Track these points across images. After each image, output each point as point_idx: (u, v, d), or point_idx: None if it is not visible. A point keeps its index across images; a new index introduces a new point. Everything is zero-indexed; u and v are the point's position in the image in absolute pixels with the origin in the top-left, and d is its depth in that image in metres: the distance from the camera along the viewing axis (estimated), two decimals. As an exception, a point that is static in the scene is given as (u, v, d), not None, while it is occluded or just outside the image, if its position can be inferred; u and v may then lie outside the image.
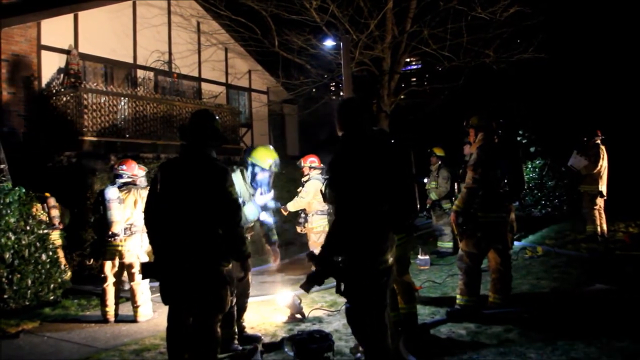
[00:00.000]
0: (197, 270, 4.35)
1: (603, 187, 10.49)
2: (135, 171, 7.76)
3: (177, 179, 4.51)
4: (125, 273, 7.62)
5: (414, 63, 25.79)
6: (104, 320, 7.46)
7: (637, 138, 15.92)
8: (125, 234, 7.40)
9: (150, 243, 4.62)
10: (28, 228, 8.50)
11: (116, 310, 7.55)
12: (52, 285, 8.57)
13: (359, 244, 3.89)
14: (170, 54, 17.10)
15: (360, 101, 4.41)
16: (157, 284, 4.66)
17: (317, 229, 9.34)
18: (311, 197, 9.33)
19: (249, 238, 5.74)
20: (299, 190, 9.62)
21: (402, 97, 15.99)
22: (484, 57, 14.52)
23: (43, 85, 13.65)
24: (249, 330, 6.19)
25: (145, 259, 7.45)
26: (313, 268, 4.00)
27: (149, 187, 5.18)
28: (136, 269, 7.47)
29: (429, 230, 13.26)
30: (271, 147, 6.35)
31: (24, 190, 8.76)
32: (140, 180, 7.85)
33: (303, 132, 23.25)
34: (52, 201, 9.66)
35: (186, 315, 4.46)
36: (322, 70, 15.58)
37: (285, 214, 9.57)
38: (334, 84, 20.11)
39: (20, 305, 8.07)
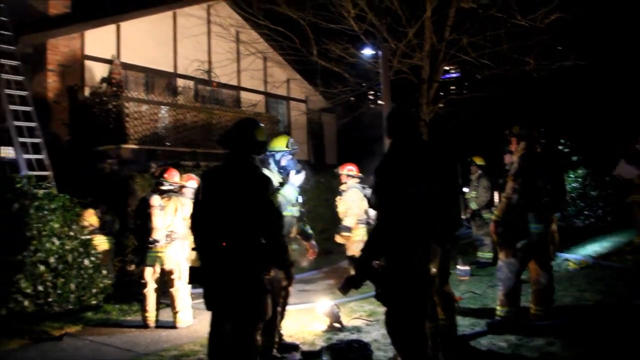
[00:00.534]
0: (239, 278, 4.37)
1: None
2: (175, 179, 7.88)
3: (219, 187, 4.55)
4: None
5: (452, 71, 25.57)
6: (144, 325, 7.56)
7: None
8: (165, 240, 7.51)
9: (196, 249, 4.67)
10: (72, 234, 8.68)
11: (156, 315, 7.64)
12: (94, 290, 8.73)
13: (402, 251, 3.87)
14: (209, 63, 17.31)
15: (412, 109, 4.42)
16: (198, 290, 4.70)
17: (355, 238, 9.28)
18: (356, 207, 9.27)
19: (294, 246, 5.74)
20: (337, 198, 9.58)
21: (441, 105, 15.88)
22: (524, 64, 14.34)
23: (86, 94, 13.94)
24: (287, 339, 6.19)
25: (186, 265, 7.53)
26: (352, 272, 4.00)
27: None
28: (176, 276, 7.56)
29: (469, 240, 13.10)
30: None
31: (67, 197, 8.95)
32: (186, 189, 8.01)
33: (341, 141, 23.23)
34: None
35: (227, 322, 4.48)
36: (361, 79, 15.58)
37: (348, 236, 9.36)
38: (372, 92, 20.05)
39: (63, 308, 8.26)
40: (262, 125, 4.89)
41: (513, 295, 6.33)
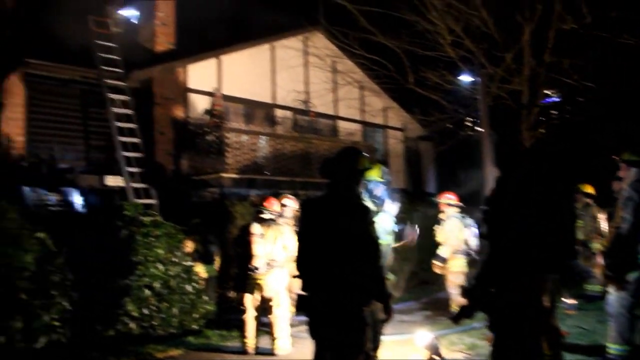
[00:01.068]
0: (339, 309, 4.31)
1: None
2: (275, 208, 8.00)
3: (320, 216, 4.52)
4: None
5: (553, 95, 24.62)
6: (243, 351, 7.64)
7: None
8: (265, 268, 7.59)
9: (298, 278, 4.66)
10: (175, 260, 8.96)
11: (256, 342, 7.70)
12: (195, 315, 8.94)
13: (513, 281, 3.71)
14: (307, 93, 17.60)
15: (515, 137, 4.33)
16: (300, 318, 4.68)
17: (454, 269, 9.04)
18: (453, 237, 9.05)
19: (390, 277, 5.65)
20: (435, 227, 9.39)
21: (542, 130, 15.30)
22: (631, 85, 13.60)
23: (189, 125, 14.48)
24: (384, 370, 6.06)
25: (285, 293, 7.59)
26: (456, 305, 3.87)
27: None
28: (275, 303, 7.61)
29: (577, 272, 12.41)
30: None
31: (172, 225, 9.27)
32: (286, 213, 8.12)
33: (439, 169, 22.87)
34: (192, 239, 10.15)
35: (328, 352, 4.43)
36: (458, 106, 15.31)
37: (441, 265, 9.20)
38: (470, 119, 19.63)
39: (166, 332, 8.50)
40: (364, 154, 4.84)
41: (626, 332, 5.89)
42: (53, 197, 10.90)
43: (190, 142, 14.21)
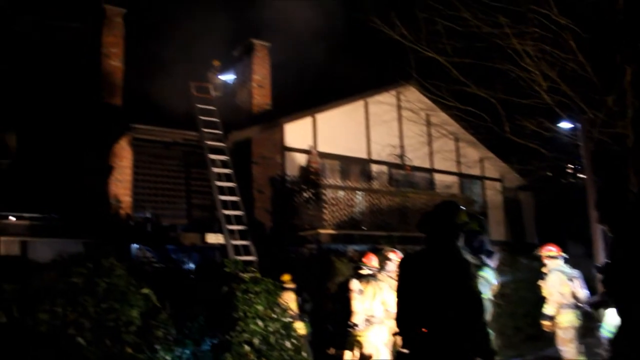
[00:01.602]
0: None
1: None
2: (374, 263, 7.91)
3: (420, 272, 4.40)
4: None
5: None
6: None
7: None
8: (365, 324, 7.46)
9: (398, 335, 4.53)
10: (274, 316, 8.96)
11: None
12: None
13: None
14: (402, 147, 17.56)
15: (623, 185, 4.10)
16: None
17: (564, 324, 8.53)
18: (556, 292, 8.59)
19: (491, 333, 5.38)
20: (539, 283, 8.95)
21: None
22: None
23: (287, 183, 14.73)
24: None
25: (385, 349, 7.40)
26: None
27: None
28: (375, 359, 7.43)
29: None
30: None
31: (271, 281, 9.32)
32: (390, 267, 8.01)
33: (541, 219, 21.98)
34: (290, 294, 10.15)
35: None
36: (558, 153, 14.75)
37: (548, 324, 8.78)
38: (571, 166, 18.85)
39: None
40: (463, 207, 4.71)
41: None
42: (157, 254, 11.29)
43: (288, 200, 14.42)
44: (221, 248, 12.11)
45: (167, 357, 7.62)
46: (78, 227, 11.00)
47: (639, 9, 12.54)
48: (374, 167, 16.94)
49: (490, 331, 5.82)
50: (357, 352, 7.54)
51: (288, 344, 8.91)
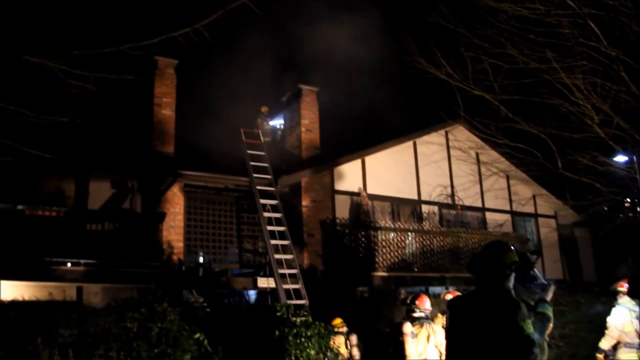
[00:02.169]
0: None
1: None
2: (426, 306, 7.77)
3: (469, 315, 4.31)
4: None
5: None
6: None
7: None
8: (417, 368, 7.30)
9: None
10: (326, 360, 8.85)
11: None
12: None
13: None
14: (452, 186, 17.40)
15: None
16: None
17: (622, 363, 8.18)
18: (614, 327, 8.26)
19: None
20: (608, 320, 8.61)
21: None
22: None
23: (337, 226, 14.70)
24: None
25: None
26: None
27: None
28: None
29: None
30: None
31: (322, 325, 9.23)
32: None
33: (599, 256, 21.25)
34: (354, 339, 9.99)
35: None
36: (615, 187, 14.31)
37: (600, 357, 8.47)
38: (629, 200, 18.24)
39: None
40: (512, 247, 4.58)
41: None
42: (209, 299, 11.35)
43: (339, 243, 14.37)
44: (272, 292, 12.10)
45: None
46: (132, 273, 11.19)
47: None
48: (425, 208, 16.79)
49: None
50: (411, 397, 7.33)
51: (340, 388, 8.78)
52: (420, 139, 17.17)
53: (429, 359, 7.35)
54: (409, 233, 14.52)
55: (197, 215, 13.79)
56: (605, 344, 8.31)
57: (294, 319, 9.26)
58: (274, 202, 13.29)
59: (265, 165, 13.94)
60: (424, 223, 15.94)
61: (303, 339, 8.85)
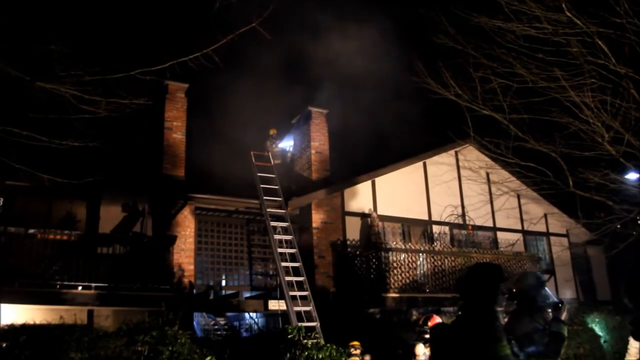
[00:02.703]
0: None
1: None
2: (438, 326, 7.70)
3: (448, 342, 4.22)
4: None
5: None
6: None
7: None
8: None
9: None
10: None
11: None
12: None
13: None
14: (462, 207, 17.35)
15: None
16: None
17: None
18: (632, 348, 8.13)
19: None
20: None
21: None
22: None
23: (348, 248, 14.66)
24: None
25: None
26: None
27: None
28: None
29: None
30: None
31: (334, 347, 9.19)
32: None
33: (613, 274, 21.01)
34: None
35: None
36: (628, 204, 14.19)
37: None
38: (643, 218, 18.01)
39: None
40: (500, 267, 4.40)
41: None
42: (220, 322, 11.32)
43: (350, 264, 14.32)
44: (283, 314, 12.05)
45: None
46: (143, 296, 11.18)
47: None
48: (435, 228, 16.73)
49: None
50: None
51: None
52: (430, 160, 17.17)
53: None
54: (420, 254, 14.44)
55: (207, 238, 13.81)
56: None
57: (305, 341, 9.23)
58: (284, 224, 13.29)
59: (276, 187, 13.97)
60: (435, 243, 15.86)
61: (314, 362, 8.81)
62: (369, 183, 15.75)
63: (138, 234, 12.60)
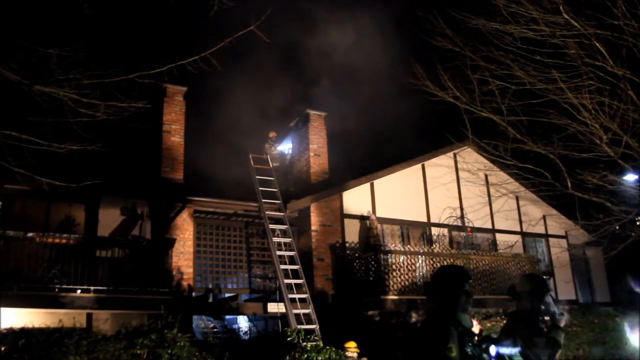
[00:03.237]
0: None
1: None
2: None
3: (413, 343, 4.24)
4: None
5: None
6: None
7: None
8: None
9: None
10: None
11: None
12: None
13: None
14: (461, 209, 17.35)
15: None
16: None
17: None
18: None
19: None
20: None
21: None
22: None
23: (347, 250, 14.67)
24: None
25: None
26: None
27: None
28: None
29: None
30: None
31: (333, 349, 9.19)
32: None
33: (612, 276, 21.03)
34: None
35: None
36: (626, 206, 14.20)
37: None
38: (641, 219, 18.02)
39: None
40: (466, 270, 4.34)
41: None
42: (219, 325, 11.32)
43: (349, 266, 14.32)
44: (283, 317, 12.05)
45: None
46: (142, 299, 11.17)
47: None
48: (434, 230, 16.73)
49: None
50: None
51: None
52: (428, 162, 17.17)
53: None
54: (419, 256, 14.44)
55: (206, 241, 13.80)
56: None
57: (304, 343, 9.23)
58: (283, 227, 13.30)
59: (274, 190, 13.98)
60: (434, 246, 15.86)
61: (310, 364, 8.81)
62: (367, 185, 15.75)
63: (137, 237, 12.60)
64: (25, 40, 7.25)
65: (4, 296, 10.07)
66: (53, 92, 7.50)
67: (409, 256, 14.11)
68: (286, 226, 13.33)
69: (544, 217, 19.42)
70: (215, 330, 12.06)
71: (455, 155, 17.83)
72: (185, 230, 13.22)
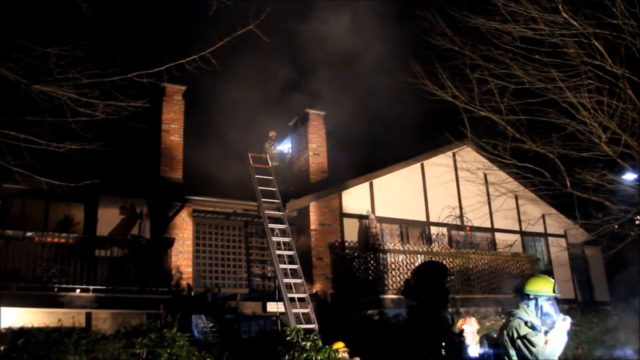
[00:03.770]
0: None
1: None
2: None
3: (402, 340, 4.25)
4: None
5: None
6: None
7: None
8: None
9: None
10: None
11: None
12: None
13: None
14: (460, 208, 17.36)
15: None
16: None
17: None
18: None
19: None
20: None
21: None
22: None
23: (346, 249, 14.67)
24: None
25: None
26: None
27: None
28: None
29: None
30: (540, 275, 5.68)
31: (333, 349, 9.19)
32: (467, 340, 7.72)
33: (611, 275, 21.03)
34: None
35: None
36: (625, 205, 14.21)
37: None
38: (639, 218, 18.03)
39: None
40: (445, 266, 4.36)
41: None
42: (218, 324, 11.32)
43: (348, 265, 14.33)
44: (282, 316, 12.05)
45: None
46: (141, 299, 11.18)
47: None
48: (433, 229, 16.74)
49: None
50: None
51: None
52: (428, 161, 17.18)
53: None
54: (418, 255, 14.44)
55: (205, 240, 13.80)
56: None
57: (303, 343, 9.22)
58: (282, 226, 13.30)
59: (274, 189, 13.97)
60: (433, 245, 15.87)
61: (311, 363, 8.81)
62: (366, 185, 15.76)
63: (136, 237, 12.59)
64: (24, 40, 7.24)
65: (3, 295, 10.07)
66: (52, 91, 7.50)
67: (408, 255, 14.11)
68: (285, 225, 13.32)
69: (543, 216, 19.42)
70: (214, 329, 12.06)
71: (454, 154, 17.85)
72: (184, 229, 13.22)
